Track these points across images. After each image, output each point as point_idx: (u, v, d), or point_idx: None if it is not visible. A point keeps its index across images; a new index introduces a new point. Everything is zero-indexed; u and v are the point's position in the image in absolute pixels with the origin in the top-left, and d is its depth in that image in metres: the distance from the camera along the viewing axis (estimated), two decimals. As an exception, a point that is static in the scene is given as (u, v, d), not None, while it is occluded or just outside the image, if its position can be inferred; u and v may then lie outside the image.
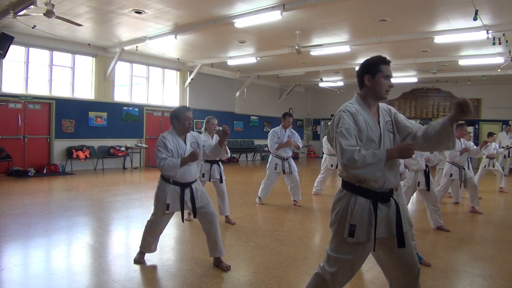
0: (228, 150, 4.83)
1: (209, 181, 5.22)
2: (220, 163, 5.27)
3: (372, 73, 2.10)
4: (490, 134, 8.67)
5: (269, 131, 6.47)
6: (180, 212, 3.42)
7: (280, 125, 6.32)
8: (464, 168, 6.05)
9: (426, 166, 4.74)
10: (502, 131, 12.57)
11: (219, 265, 3.46)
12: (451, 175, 6.07)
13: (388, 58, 2.14)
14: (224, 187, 5.24)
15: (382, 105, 2.21)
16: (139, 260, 3.57)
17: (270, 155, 6.38)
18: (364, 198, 2.03)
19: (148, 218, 3.55)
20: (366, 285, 3.24)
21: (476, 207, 6.27)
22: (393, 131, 2.16)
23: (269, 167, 6.31)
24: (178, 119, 3.40)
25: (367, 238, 2.02)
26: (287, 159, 6.24)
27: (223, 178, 5.23)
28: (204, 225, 3.47)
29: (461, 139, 6.06)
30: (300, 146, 6.37)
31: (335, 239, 2.10)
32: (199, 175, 4.91)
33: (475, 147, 6.62)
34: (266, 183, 6.36)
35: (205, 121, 5.22)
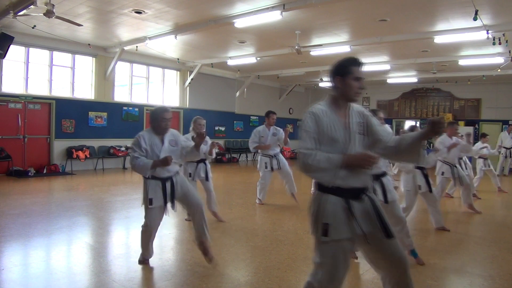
0: (214, 152, 4.87)
1: (194, 180, 5.24)
2: (206, 162, 5.30)
3: (343, 74, 2.10)
4: (483, 135, 8.72)
5: None
6: (172, 208, 3.47)
7: (264, 124, 6.36)
8: (455, 166, 6.03)
9: (422, 167, 4.64)
10: (502, 131, 12.56)
11: (205, 252, 3.47)
12: (442, 173, 6.04)
13: (360, 60, 2.13)
14: (210, 185, 5.29)
15: (357, 106, 2.20)
16: (143, 261, 3.56)
17: (259, 155, 6.44)
18: (335, 196, 2.03)
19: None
20: (366, 285, 3.24)
21: (472, 206, 6.26)
22: (364, 133, 2.16)
23: (260, 167, 6.38)
24: (156, 120, 3.40)
25: (344, 235, 2.01)
26: (274, 156, 6.28)
27: (209, 176, 5.27)
28: (190, 211, 3.57)
29: (453, 137, 6.08)
30: (287, 142, 6.35)
31: (315, 243, 2.09)
32: (190, 175, 5.06)
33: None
34: (261, 183, 6.39)
35: (192, 120, 5.22)
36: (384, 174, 3.59)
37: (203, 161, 5.22)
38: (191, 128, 5.22)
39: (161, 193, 3.37)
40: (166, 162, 3.24)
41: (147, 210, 3.44)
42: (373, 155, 2.03)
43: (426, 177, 4.66)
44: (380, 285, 3.19)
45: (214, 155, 5.03)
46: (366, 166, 1.99)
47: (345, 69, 2.10)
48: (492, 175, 8.64)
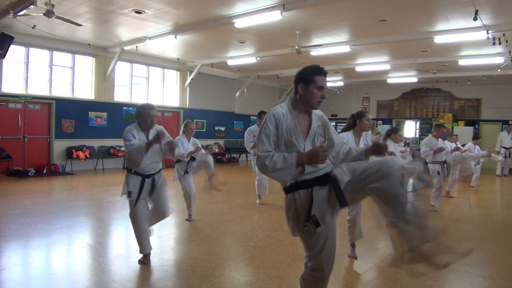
0: (183, 154, 4.98)
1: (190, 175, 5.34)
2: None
3: (306, 82, 2.13)
4: (476, 138, 8.78)
5: None
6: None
7: (256, 124, 6.45)
8: (445, 162, 6.13)
9: None
10: (502, 131, 12.56)
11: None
12: (438, 173, 6.09)
13: (325, 69, 2.19)
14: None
15: (316, 110, 2.25)
16: (143, 261, 3.57)
17: (251, 155, 6.53)
18: (305, 189, 2.07)
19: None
20: (366, 285, 3.24)
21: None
22: (324, 136, 2.24)
23: (254, 167, 6.46)
24: (141, 116, 3.50)
25: (330, 217, 2.07)
26: None
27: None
28: (153, 213, 3.70)
29: (439, 139, 6.16)
30: None
31: (306, 237, 2.11)
32: (175, 177, 5.24)
33: (452, 147, 6.70)
34: (257, 180, 6.51)
35: (183, 124, 5.37)
36: None
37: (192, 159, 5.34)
38: (181, 132, 5.34)
39: (138, 187, 3.49)
40: (158, 139, 3.38)
41: (129, 203, 3.58)
42: (324, 147, 2.07)
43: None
44: (380, 284, 3.21)
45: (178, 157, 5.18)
46: (320, 160, 2.02)
47: (309, 77, 2.13)
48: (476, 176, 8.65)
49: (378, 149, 2.20)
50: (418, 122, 16.41)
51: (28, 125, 9.89)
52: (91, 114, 11.08)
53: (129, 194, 3.49)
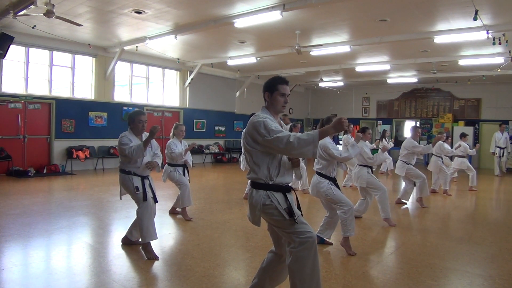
0: (178, 154, 5.33)
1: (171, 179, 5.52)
2: (186, 167, 5.59)
3: (271, 91, 2.52)
4: (463, 135, 8.80)
5: None
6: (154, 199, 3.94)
7: None
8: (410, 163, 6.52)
9: (371, 167, 5.20)
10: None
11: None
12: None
13: (286, 79, 2.57)
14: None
15: (282, 123, 2.68)
16: (151, 255, 3.70)
17: (241, 155, 6.66)
18: (278, 192, 2.44)
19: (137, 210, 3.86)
20: (366, 285, 3.24)
21: (423, 198, 6.68)
22: None
23: (243, 166, 6.87)
24: (133, 122, 3.89)
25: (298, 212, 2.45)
26: None
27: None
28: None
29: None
30: None
31: (291, 226, 2.40)
32: (164, 177, 5.44)
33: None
34: None
35: (174, 127, 5.52)
36: (335, 179, 4.07)
37: (183, 165, 5.54)
38: (171, 134, 5.52)
39: (141, 186, 3.83)
40: (154, 134, 3.66)
41: (137, 197, 3.85)
42: (343, 117, 2.32)
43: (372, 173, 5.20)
44: (380, 284, 3.21)
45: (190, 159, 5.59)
46: (345, 126, 2.28)
47: (272, 86, 2.52)
48: (448, 178, 8.27)
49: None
50: (418, 122, 16.41)
51: (28, 125, 9.89)
52: (91, 114, 11.08)
53: (136, 188, 3.80)
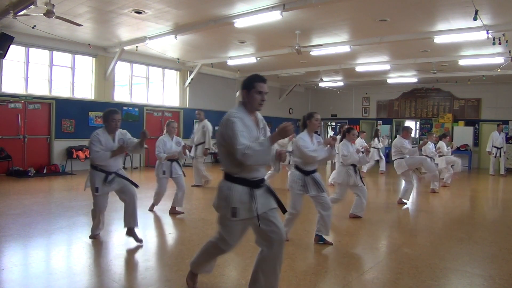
0: (187, 153, 5.70)
1: (171, 177, 5.64)
2: (178, 161, 5.75)
3: (248, 88, 2.58)
4: (444, 136, 8.83)
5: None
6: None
7: None
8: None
9: (354, 165, 5.34)
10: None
11: (133, 235, 4.10)
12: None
13: (264, 77, 2.65)
14: (183, 181, 5.73)
15: (258, 114, 2.72)
16: (93, 236, 4.20)
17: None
18: (241, 186, 2.51)
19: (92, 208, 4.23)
20: (366, 285, 3.24)
21: (404, 200, 6.85)
22: (265, 135, 2.65)
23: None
24: (107, 121, 4.09)
25: (247, 216, 2.50)
26: None
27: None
28: (125, 199, 4.16)
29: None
30: None
31: (221, 219, 2.62)
32: (156, 172, 5.71)
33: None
34: None
35: (166, 124, 5.75)
36: (315, 170, 4.19)
37: (175, 160, 5.67)
38: (165, 131, 5.73)
39: (103, 182, 4.05)
40: (122, 150, 3.98)
41: (94, 196, 4.14)
42: (289, 122, 2.43)
43: (357, 172, 5.36)
44: (380, 284, 3.21)
45: (188, 155, 5.81)
46: (290, 132, 2.39)
47: (250, 84, 2.57)
48: (436, 177, 8.19)
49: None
50: (418, 122, 16.41)
51: (28, 125, 9.89)
52: (91, 114, 11.07)
53: (96, 190, 4.06)
